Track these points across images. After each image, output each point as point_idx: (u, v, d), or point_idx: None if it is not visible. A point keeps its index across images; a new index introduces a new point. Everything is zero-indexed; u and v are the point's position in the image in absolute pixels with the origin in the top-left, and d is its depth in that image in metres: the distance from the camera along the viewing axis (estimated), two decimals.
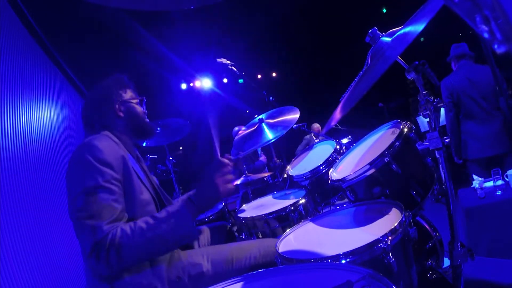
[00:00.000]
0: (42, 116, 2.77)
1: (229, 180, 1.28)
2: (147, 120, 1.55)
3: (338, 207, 1.60)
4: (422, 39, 7.74)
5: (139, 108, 1.52)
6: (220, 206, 2.57)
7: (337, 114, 1.27)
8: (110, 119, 1.45)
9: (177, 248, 1.24)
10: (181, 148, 9.02)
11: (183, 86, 8.49)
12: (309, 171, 2.05)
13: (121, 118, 1.46)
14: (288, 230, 1.49)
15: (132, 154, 1.45)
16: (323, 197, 2.08)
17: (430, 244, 1.58)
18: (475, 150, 3.29)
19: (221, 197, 1.27)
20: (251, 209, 2.26)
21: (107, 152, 1.25)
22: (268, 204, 2.22)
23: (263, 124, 2.58)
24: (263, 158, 4.53)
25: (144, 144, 3.31)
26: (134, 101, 1.52)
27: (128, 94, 1.51)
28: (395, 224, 1.12)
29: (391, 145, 1.41)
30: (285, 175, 2.51)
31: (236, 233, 2.11)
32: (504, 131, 3.20)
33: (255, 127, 2.61)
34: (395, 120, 1.66)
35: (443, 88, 3.37)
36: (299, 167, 2.32)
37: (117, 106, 1.45)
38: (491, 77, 3.15)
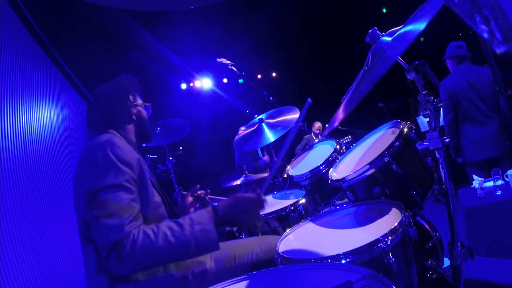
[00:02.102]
0: (42, 116, 2.77)
1: (258, 216, 1.34)
2: (150, 127, 1.57)
3: (338, 207, 1.60)
4: (422, 39, 7.73)
5: (144, 113, 1.54)
6: None
7: (339, 115, 1.27)
8: (122, 119, 1.44)
9: (197, 257, 1.23)
10: (181, 148, 9.01)
11: (183, 86, 8.48)
12: (309, 171, 2.05)
13: (133, 120, 1.47)
14: (288, 230, 1.50)
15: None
16: (323, 197, 2.08)
17: (430, 244, 1.58)
18: (473, 152, 3.29)
19: (246, 224, 1.29)
20: None
21: (126, 152, 1.24)
22: (268, 204, 2.21)
23: (263, 124, 2.58)
24: (266, 157, 4.52)
25: (143, 144, 3.30)
26: (142, 105, 1.53)
27: (138, 98, 1.53)
28: (395, 224, 1.12)
29: (391, 145, 1.41)
30: (285, 175, 2.51)
31: (236, 233, 2.11)
32: (501, 133, 3.20)
33: (255, 127, 2.61)
34: (395, 120, 1.66)
35: (441, 91, 3.35)
36: (299, 167, 2.32)
37: (132, 108, 1.46)
38: (489, 78, 3.15)
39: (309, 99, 1.50)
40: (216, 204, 1.27)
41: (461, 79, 3.28)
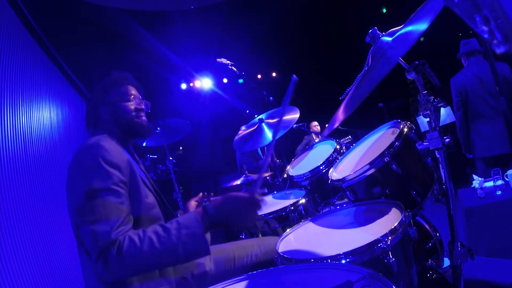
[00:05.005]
0: (42, 116, 2.77)
1: (254, 219, 1.19)
2: (138, 119, 1.44)
3: (338, 207, 1.60)
4: (422, 39, 7.74)
5: (130, 106, 1.42)
6: None
7: (340, 115, 1.27)
8: (101, 122, 1.42)
9: (188, 262, 1.16)
10: (181, 148, 9.02)
11: (183, 86, 8.48)
12: (309, 171, 2.05)
13: (109, 120, 1.41)
14: (288, 230, 1.50)
15: (132, 156, 1.42)
16: (323, 197, 2.08)
17: (430, 244, 1.58)
18: (483, 148, 3.26)
19: (240, 228, 1.18)
20: None
21: (114, 154, 1.21)
22: (268, 204, 2.22)
23: (263, 124, 2.58)
24: None
25: (144, 144, 3.31)
26: (125, 100, 1.43)
27: (115, 94, 1.43)
28: (395, 224, 1.12)
29: (391, 145, 1.41)
30: (285, 175, 2.51)
31: (236, 233, 2.11)
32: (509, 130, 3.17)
33: (255, 127, 2.61)
34: (395, 120, 1.66)
35: (452, 87, 3.35)
36: (299, 167, 2.32)
37: (102, 108, 1.41)
38: (501, 74, 3.12)
39: (294, 76, 1.32)
40: (206, 204, 1.18)
41: (472, 75, 3.26)
